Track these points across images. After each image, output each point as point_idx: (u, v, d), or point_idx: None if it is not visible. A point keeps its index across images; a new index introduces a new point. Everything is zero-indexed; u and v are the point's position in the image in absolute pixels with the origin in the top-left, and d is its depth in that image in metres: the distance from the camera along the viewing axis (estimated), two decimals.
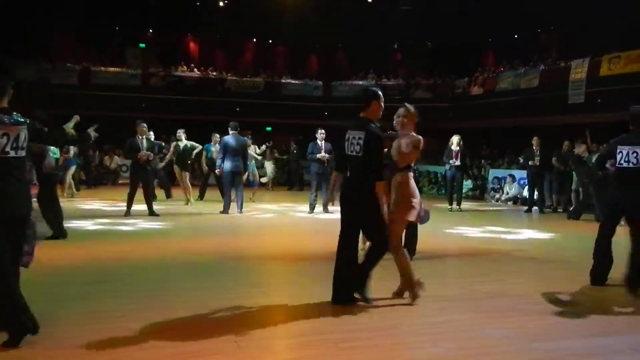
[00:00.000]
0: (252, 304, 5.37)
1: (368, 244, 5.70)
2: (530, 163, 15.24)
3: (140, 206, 12.13)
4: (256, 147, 17.31)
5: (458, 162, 14.73)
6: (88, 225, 10.71)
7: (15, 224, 4.16)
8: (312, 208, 13.52)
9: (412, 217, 5.46)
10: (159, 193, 15.62)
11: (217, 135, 15.42)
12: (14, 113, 4.23)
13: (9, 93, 4.29)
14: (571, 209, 14.40)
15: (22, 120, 4.24)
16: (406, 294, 5.52)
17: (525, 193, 16.69)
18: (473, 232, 11.00)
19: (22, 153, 4.18)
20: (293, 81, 26.68)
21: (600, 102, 18.02)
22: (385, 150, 5.58)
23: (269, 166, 20.54)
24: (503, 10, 22.11)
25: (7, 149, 4.08)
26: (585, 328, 4.83)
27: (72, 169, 16.70)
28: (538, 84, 20.93)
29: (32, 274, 5.04)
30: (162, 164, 15.49)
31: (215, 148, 15.34)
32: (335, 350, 4.17)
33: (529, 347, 4.32)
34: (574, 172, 14.90)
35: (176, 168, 15.21)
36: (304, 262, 7.68)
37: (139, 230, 10.30)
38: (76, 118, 8.84)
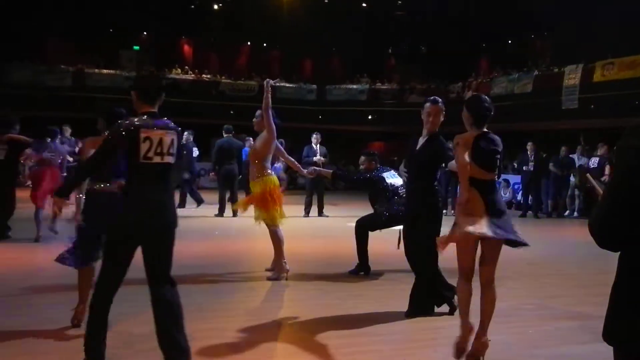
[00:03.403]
0: (245, 307, 5.33)
1: None
2: (524, 168, 15.26)
3: None
4: None
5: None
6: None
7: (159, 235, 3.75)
8: (307, 212, 13.48)
9: None
10: None
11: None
12: (164, 118, 3.98)
13: (160, 98, 4.05)
14: None
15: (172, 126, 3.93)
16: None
17: (520, 198, 16.71)
18: None
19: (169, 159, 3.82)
20: (287, 85, 26.65)
21: (594, 108, 18.10)
22: None
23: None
24: (497, 16, 22.21)
25: (150, 154, 3.72)
26: (586, 334, 4.81)
27: None
28: (532, 90, 21.02)
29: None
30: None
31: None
32: (337, 356, 4.14)
33: (529, 353, 4.32)
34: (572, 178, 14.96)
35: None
36: (303, 265, 7.62)
37: None
38: None
